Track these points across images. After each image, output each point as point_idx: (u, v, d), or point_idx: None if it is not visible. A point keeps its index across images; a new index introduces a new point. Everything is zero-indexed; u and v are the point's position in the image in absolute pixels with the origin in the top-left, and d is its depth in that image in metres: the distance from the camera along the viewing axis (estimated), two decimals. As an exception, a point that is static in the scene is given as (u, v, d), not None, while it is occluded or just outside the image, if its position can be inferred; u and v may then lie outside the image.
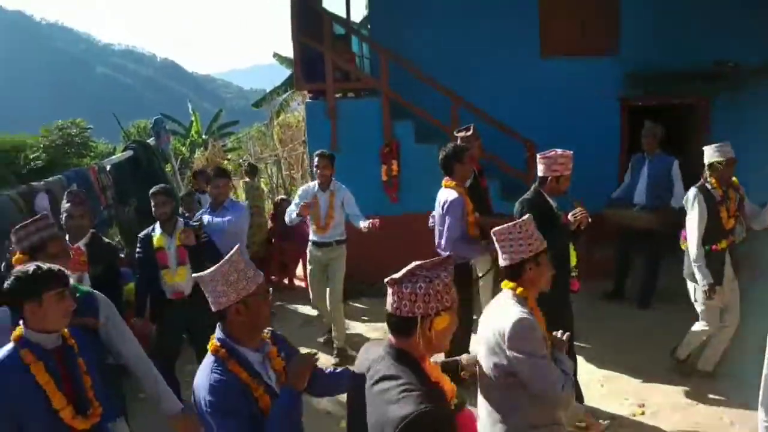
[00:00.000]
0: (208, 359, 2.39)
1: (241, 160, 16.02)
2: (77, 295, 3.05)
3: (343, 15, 9.65)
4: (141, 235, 5.17)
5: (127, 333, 3.33)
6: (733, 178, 5.08)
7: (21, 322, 2.58)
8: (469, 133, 5.93)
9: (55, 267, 2.60)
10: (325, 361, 5.99)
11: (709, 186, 5.02)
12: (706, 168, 5.06)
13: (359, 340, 6.49)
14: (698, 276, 4.96)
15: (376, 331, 6.81)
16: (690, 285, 5.21)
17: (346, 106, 8.17)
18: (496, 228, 2.83)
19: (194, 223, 5.22)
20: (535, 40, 8.77)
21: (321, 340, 6.61)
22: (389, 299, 2.03)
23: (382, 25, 8.96)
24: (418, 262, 2.03)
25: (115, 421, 3.14)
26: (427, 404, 1.86)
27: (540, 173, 4.49)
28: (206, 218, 5.90)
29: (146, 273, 5.10)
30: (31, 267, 2.54)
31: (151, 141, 9.09)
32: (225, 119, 29.56)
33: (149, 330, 5.03)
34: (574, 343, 4.42)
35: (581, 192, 4.84)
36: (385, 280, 2.03)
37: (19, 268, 2.57)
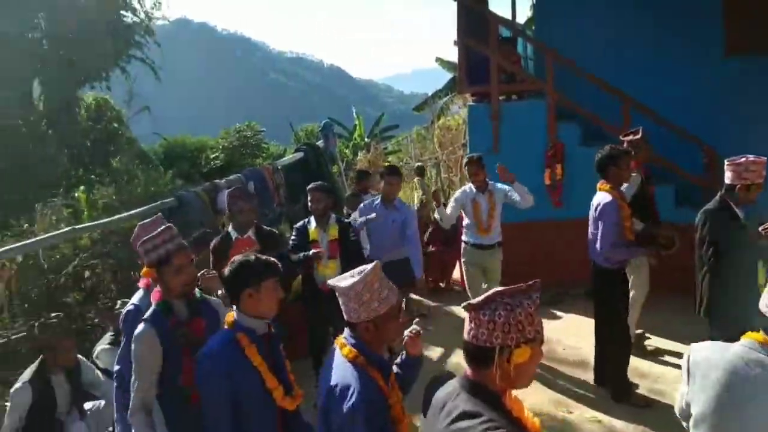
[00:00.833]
0: (345, 364, 2.38)
1: (401, 163, 16.35)
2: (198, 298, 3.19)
3: (509, 17, 9.54)
4: (297, 225, 5.55)
5: None
6: None
7: (234, 308, 2.79)
8: (638, 136, 5.63)
9: (272, 258, 2.81)
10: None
11: None
12: None
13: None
14: None
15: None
16: None
17: (509, 108, 8.07)
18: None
19: (346, 221, 5.57)
20: (718, 36, 8.10)
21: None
22: (466, 326, 1.90)
23: (548, 26, 8.77)
24: (499, 288, 1.87)
25: None
26: None
27: (727, 181, 4.18)
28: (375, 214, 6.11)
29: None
30: (252, 256, 2.76)
31: (320, 143, 9.55)
32: (386, 123, 30.34)
33: None
34: None
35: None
36: (462, 305, 1.91)
37: (240, 257, 2.79)
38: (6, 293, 6.01)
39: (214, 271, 3.74)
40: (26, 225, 7.38)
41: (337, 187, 9.23)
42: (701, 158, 7.56)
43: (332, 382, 2.36)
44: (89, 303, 6.24)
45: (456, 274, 8.60)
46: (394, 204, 6.15)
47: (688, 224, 5.82)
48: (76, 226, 6.02)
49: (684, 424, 2.34)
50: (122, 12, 15.03)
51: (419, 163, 12.36)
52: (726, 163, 4.21)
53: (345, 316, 2.42)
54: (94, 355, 4.77)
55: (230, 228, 5.01)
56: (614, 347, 5.15)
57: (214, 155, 18.46)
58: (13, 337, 5.67)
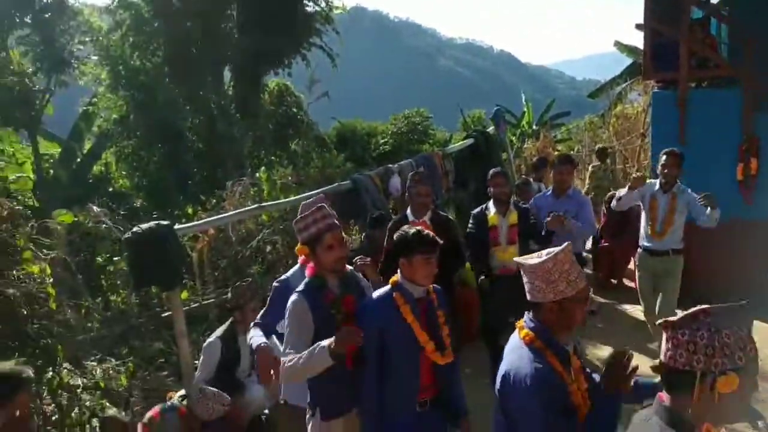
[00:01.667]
0: (522, 348, 2.38)
1: (572, 152, 15.76)
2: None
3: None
4: (474, 212, 5.51)
5: None
6: None
7: (398, 271, 3.09)
8: None
9: (429, 235, 2.99)
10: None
11: None
12: None
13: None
14: None
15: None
16: None
17: (699, 96, 7.43)
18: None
19: (524, 206, 5.46)
20: None
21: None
22: (663, 345, 1.73)
23: (745, 4, 7.92)
24: (704, 306, 1.68)
25: None
26: None
27: None
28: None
29: (476, 248, 5.46)
30: (411, 230, 3.02)
31: (490, 130, 9.48)
32: (556, 110, 29.35)
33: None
34: None
35: None
36: (657, 321, 1.74)
37: (403, 228, 3.08)
38: (198, 263, 6.63)
39: (369, 259, 3.87)
40: (214, 201, 8.04)
41: (507, 174, 9.12)
42: None
43: (507, 367, 2.38)
44: (269, 275, 6.70)
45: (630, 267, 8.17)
46: (568, 193, 5.95)
47: None
48: (263, 204, 6.48)
49: None
50: (304, 1, 15.83)
51: (601, 146, 11.69)
52: None
53: (529, 296, 2.41)
54: None
55: (408, 211, 5.15)
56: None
57: (383, 140, 18.99)
58: (204, 302, 6.24)
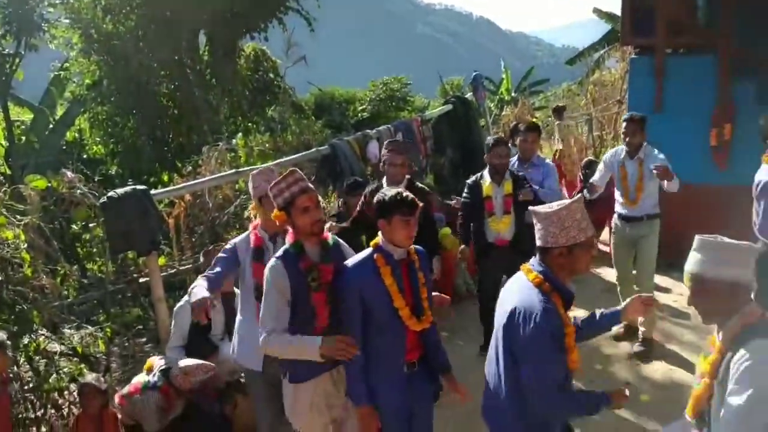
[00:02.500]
0: (531, 289, 2.63)
1: (549, 119, 15.82)
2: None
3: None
4: (469, 181, 5.52)
5: None
6: None
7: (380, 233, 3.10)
8: None
9: (409, 196, 3.01)
10: (624, 349, 5.71)
11: None
12: None
13: (667, 328, 6.00)
14: None
15: (679, 307, 6.27)
16: None
17: (676, 62, 7.48)
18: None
19: (520, 174, 5.44)
20: None
21: (621, 328, 5.85)
22: None
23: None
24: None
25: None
26: None
27: None
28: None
29: (470, 217, 5.47)
30: (390, 192, 3.03)
31: (469, 96, 9.46)
32: (535, 77, 29.38)
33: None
34: None
35: None
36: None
37: (383, 191, 3.10)
38: (175, 229, 6.58)
39: (339, 225, 3.86)
40: (190, 168, 7.96)
41: (485, 141, 9.13)
42: None
43: (515, 304, 2.64)
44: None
45: (605, 234, 8.27)
46: (532, 161, 6.00)
47: None
48: (240, 169, 6.44)
49: None
50: (281, -36, 15.48)
51: (559, 104, 11.83)
52: None
53: (540, 242, 2.67)
54: None
55: (384, 180, 5.12)
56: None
57: (361, 107, 18.86)
58: (182, 268, 6.22)
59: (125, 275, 6.16)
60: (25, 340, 4.42)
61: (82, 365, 4.72)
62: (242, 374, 4.46)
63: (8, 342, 3.72)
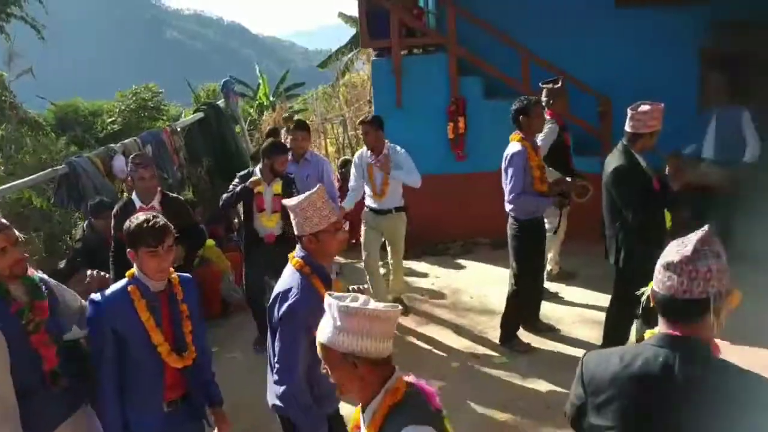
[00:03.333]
0: (293, 273, 2.85)
1: (309, 121, 16.11)
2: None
3: (409, -31, 9.42)
4: (241, 174, 5.61)
5: None
6: None
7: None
8: (557, 86, 5.79)
9: (157, 224, 2.75)
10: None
11: None
12: None
13: (427, 309, 6.43)
14: None
15: (437, 289, 6.81)
16: None
17: (411, 62, 8.05)
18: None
19: (290, 176, 5.57)
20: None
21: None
22: (671, 282, 1.81)
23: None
24: (701, 236, 1.81)
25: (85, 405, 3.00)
26: None
27: (632, 129, 4.25)
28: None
29: (240, 197, 5.47)
30: (136, 220, 2.79)
31: (220, 103, 9.24)
32: (291, 81, 29.70)
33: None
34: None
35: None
36: (669, 260, 1.82)
37: (131, 218, 2.84)
38: None
39: (104, 274, 3.43)
40: None
41: (240, 147, 9.00)
42: (597, 109, 7.78)
43: (280, 287, 2.85)
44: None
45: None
46: (306, 158, 6.10)
47: (587, 172, 6.10)
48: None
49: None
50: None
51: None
52: (630, 112, 4.24)
53: (296, 231, 2.89)
54: None
55: (134, 195, 4.84)
56: (515, 298, 5.32)
57: (110, 119, 17.57)
58: None
59: None
60: None
61: None
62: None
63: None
